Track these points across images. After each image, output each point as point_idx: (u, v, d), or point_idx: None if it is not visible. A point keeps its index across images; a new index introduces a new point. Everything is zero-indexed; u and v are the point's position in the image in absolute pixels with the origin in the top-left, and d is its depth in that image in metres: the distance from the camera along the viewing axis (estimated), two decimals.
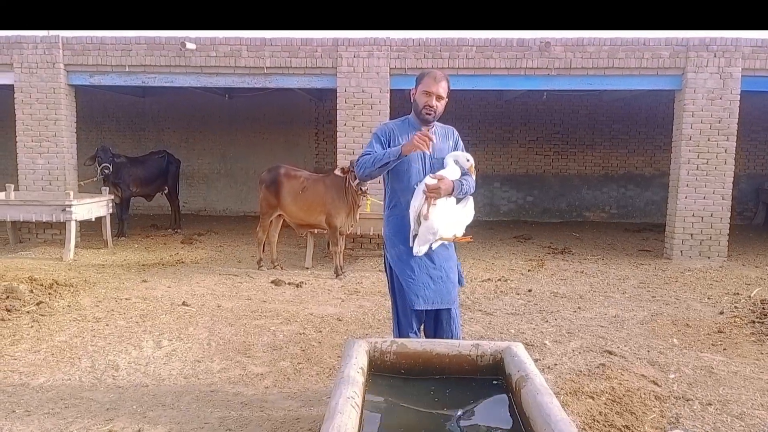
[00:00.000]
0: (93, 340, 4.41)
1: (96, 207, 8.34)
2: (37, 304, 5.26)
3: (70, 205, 7.67)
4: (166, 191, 10.47)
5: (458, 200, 3.12)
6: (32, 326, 4.69)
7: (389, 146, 3.11)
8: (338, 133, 8.54)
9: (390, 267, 3.19)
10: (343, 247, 7.14)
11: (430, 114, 3.10)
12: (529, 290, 6.30)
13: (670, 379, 3.78)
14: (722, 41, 8.09)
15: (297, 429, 3.06)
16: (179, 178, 10.94)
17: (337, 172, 6.72)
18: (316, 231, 7.41)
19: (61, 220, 7.78)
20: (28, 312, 5.03)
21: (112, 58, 8.60)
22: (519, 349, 2.54)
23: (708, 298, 6.05)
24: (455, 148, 3.21)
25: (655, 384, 3.69)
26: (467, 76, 8.40)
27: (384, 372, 2.58)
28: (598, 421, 3.11)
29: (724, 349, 4.42)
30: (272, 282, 6.50)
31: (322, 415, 2.15)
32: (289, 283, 6.47)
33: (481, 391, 2.51)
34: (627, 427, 3.06)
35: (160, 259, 7.80)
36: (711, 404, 3.42)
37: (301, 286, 6.38)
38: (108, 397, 3.42)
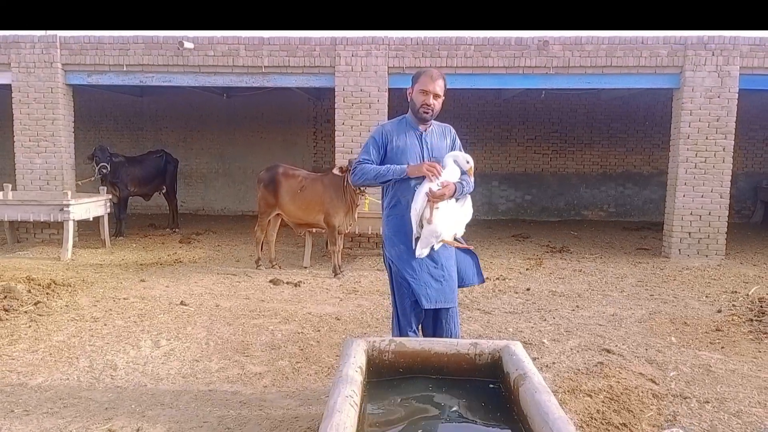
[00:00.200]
0: (91, 340, 4.41)
1: (94, 207, 8.33)
2: (35, 303, 5.25)
3: (67, 205, 7.66)
4: (164, 191, 10.47)
5: (457, 199, 3.13)
6: (30, 326, 4.68)
7: (386, 150, 3.15)
8: (336, 133, 8.53)
9: (390, 266, 3.20)
10: (342, 247, 7.13)
11: (427, 113, 3.11)
12: (528, 289, 6.30)
13: (667, 378, 3.79)
14: (720, 40, 8.10)
15: (295, 428, 3.06)
16: (177, 178, 10.93)
17: (336, 171, 6.71)
18: (314, 230, 7.41)
19: (59, 220, 7.76)
20: (25, 312, 5.02)
21: (109, 58, 8.58)
22: (517, 347, 2.54)
23: (706, 297, 6.06)
24: (453, 147, 3.22)
25: (653, 382, 3.70)
26: (465, 75, 8.40)
27: (382, 371, 2.58)
28: (595, 419, 3.12)
29: (722, 348, 4.43)
30: (270, 281, 6.50)
31: (320, 413, 2.15)
32: (287, 283, 6.47)
33: (479, 389, 2.51)
34: (624, 425, 3.07)
35: (158, 259, 7.79)
36: (708, 402, 3.42)
37: (299, 286, 6.38)
38: (106, 397, 3.42)
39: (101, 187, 8.95)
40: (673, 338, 4.65)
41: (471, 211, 3.20)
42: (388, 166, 3.09)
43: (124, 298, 5.65)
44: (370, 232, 7.81)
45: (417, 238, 3.05)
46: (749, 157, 12.74)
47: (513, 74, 8.43)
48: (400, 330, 3.14)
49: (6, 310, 4.94)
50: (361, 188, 6.54)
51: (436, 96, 3.09)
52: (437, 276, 3.08)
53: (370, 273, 7.09)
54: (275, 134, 13.28)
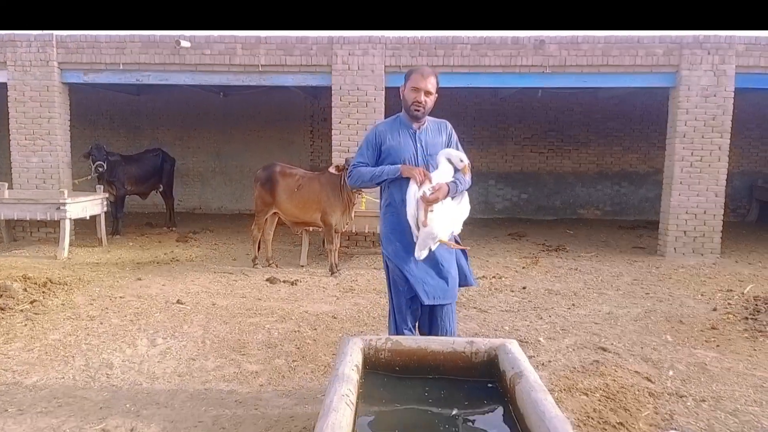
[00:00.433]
0: (87, 339, 4.40)
1: (90, 205, 8.31)
2: (31, 302, 5.24)
3: (64, 204, 7.63)
4: (160, 189, 10.44)
5: (452, 197, 3.12)
6: (26, 324, 4.67)
7: (380, 150, 3.17)
8: (333, 131, 8.53)
9: (387, 263, 3.21)
10: (338, 245, 7.13)
11: (418, 110, 3.11)
12: (524, 287, 6.31)
13: (663, 376, 3.80)
14: (716, 39, 8.12)
15: (291, 427, 3.06)
16: (174, 176, 10.90)
17: (332, 169, 6.70)
18: (311, 229, 7.41)
19: (55, 219, 7.74)
20: (21, 310, 5.01)
21: (106, 56, 8.56)
22: (513, 346, 2.54)
23: (701, 295, 6.08)
24: (449, 143, 3.21)
25: (649, 380, 3.71)
26: (462, 74, 8.40)
27: (379, 369, 2.58)
28: (592, 418, 3.12)
29: (718, 346, 4.44)
30: (267, 280, 6.49)
31: (316, 412, 2.15)
32: (284, 281, 6.47)
33: (475, 388, 2.51)
34: (621, 423, 3.07)
35: (155, 257, 7.78)
36: (704, 401, 3.43)
37: (296, 284, 6.38)
38: (102, 396, 3.41)
39: (98, 186, 8.93)
40: (668, 336, 4.66)
41: (468, 207, 3.19)
42: (383, 167, 3.11)
43: (121, 297, 5.64)
44: (366, 231, 7.80)
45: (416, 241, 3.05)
46: (745, 156, 12.78)
47: (510, 73, 8.44)
48: (397, 328, 3.14)
49: (2, 309, 4.93)
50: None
51: (427, 93, 3.08)
52: (436, 272, 3.07)
53: (366, 271, 7.09)
54: (272, 133, 13.26)
